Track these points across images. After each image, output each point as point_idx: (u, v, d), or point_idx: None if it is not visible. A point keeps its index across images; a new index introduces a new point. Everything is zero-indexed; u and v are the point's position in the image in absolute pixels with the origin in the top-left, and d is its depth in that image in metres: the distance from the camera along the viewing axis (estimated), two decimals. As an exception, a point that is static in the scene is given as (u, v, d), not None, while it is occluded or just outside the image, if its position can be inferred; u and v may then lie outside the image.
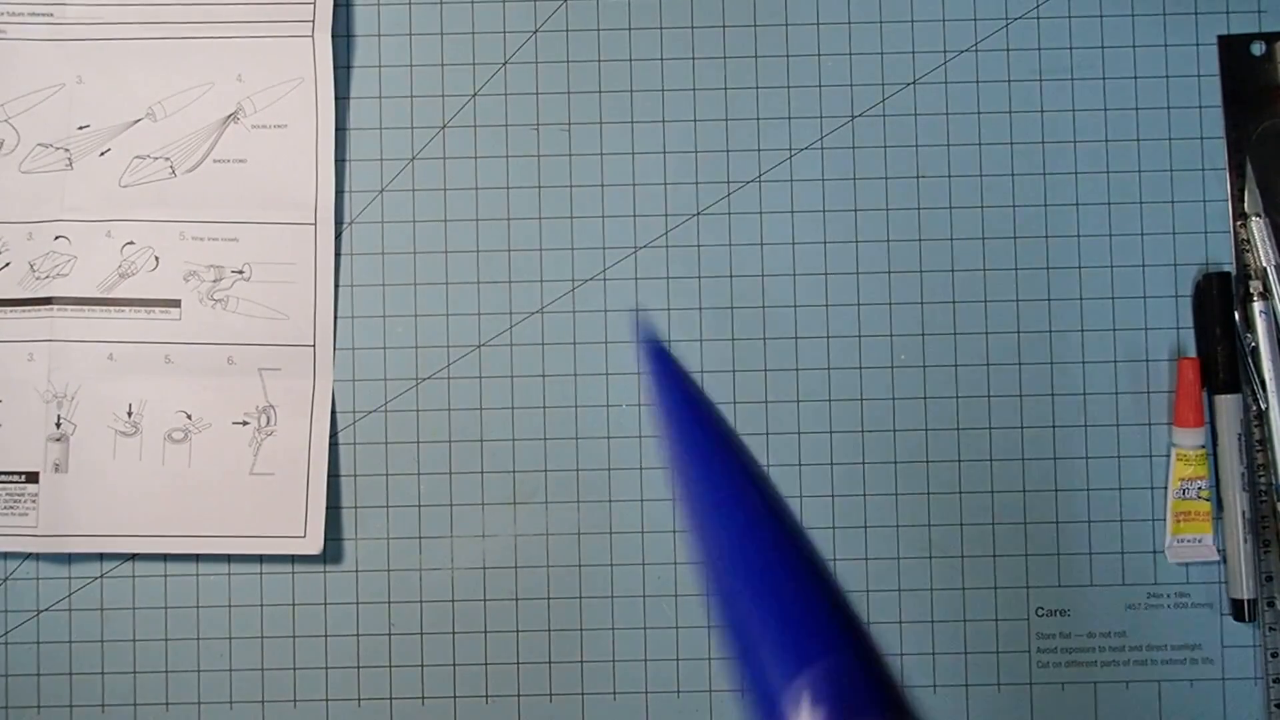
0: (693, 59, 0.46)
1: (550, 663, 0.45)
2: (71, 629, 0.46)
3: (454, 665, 0.45)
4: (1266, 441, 0.44)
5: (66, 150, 0.46)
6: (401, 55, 0.46)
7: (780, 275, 0.46)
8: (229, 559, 0.46)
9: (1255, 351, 0.44)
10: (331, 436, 0.46)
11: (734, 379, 0.46)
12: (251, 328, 0.45)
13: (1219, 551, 0.45)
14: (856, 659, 0.19)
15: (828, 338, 0.46)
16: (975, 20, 0.46)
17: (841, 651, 0.19)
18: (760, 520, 0.21)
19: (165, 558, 0.46)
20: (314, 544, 0.45)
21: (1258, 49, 0.46)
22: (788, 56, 0.46)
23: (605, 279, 0.46)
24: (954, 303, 0.46)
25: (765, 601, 0.19)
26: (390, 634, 0.46)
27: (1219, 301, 0.45)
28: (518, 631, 0.45)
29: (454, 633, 0.45)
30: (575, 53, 0.46)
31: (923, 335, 0.46)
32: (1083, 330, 0.46)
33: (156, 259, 0.46)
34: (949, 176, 0.46)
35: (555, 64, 0.46)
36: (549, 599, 0.46)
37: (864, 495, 0.45)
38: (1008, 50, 0.46)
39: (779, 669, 0.18)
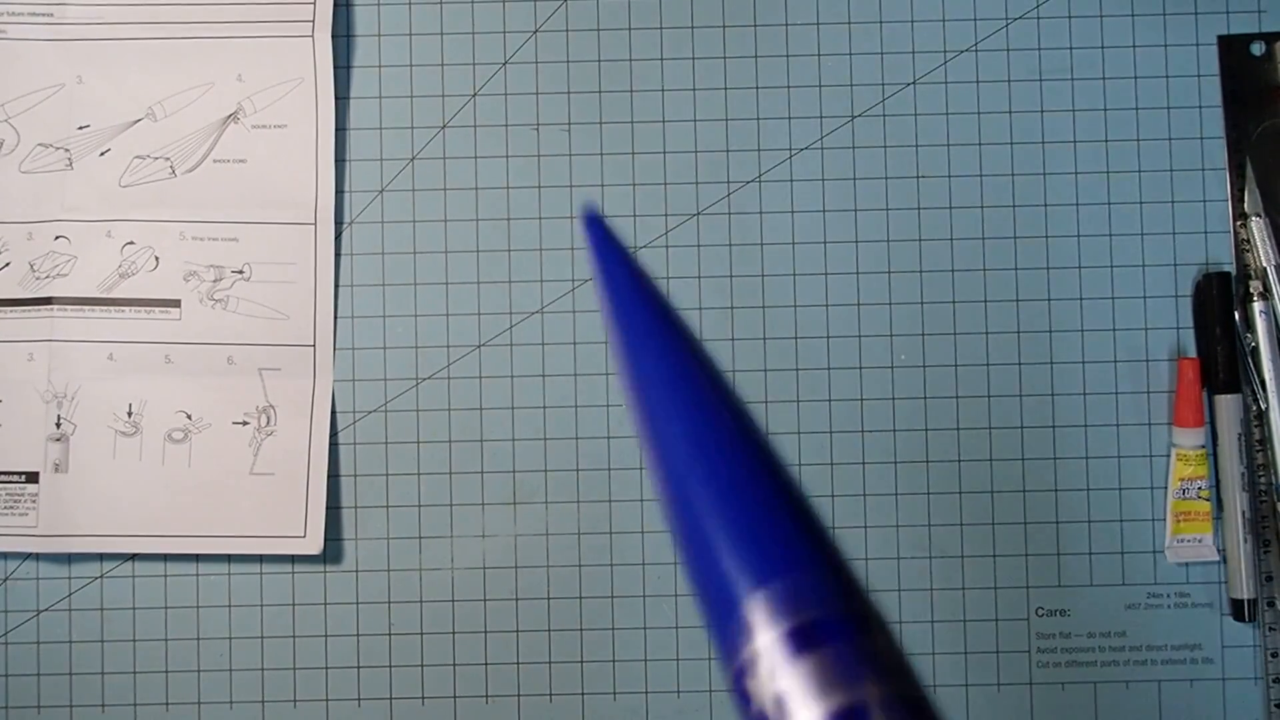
0: (693, 59, 0.46)
1: (550, 663, 0.45)
2: (71, 629, 0.46)
3: (454, 665, 0.45)
4: (1266, 441, 0.44)
5: (66, 150, 0.46)
6: (401, 55, 0.46)
7: (780, 275, 0.46)
8: (229, 559, 0.46)
9: (1255, 351, 0.44)
10: (331, 436, 0.46)
11: (734, 379, 0.46)
12: (251, 328, 0.45)
13: (1219, 551, 0.45)
14: (820, 572, 0.17)
15: (828, 338, 0.46)
16: (975, 20, 0.46)
17: (804, 566, 0.17)
18: (715, 419, 0.19)
19: (165, 558, 0.46)
20: (314, 544, 0.45)
21: (1258, 49, 0.46)
22: (788, 56, 0.46)
23: (605, 279, 0.46)
24: (954, 303, 0.46)
25: (722, 508, 0.18)
26: (390, 634, 0.46)
27: (1219, 301, 0.45)
28: (518, 631, 0.45)
29: (454, 633, 0.45)
30: (575, 53, 0.46)
31: (923, 335, 0.46)
32: (1083, 330, 0.46)
33: (156, 259, 0.46)
34: (949, 176, 0.46)
35: (555, 64, 0.46)
36: (549, 599, 0.46)
37: (864, 495, 0.45)
38: (1008, 50, 0.46)
39: (736, 581, 0.17)
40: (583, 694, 0.45)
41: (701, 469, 0.18)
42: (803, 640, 0.16)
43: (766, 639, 0.16)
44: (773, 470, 0.19)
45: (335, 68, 0.46)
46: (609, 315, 0.22)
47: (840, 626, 0.17)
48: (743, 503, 0.18)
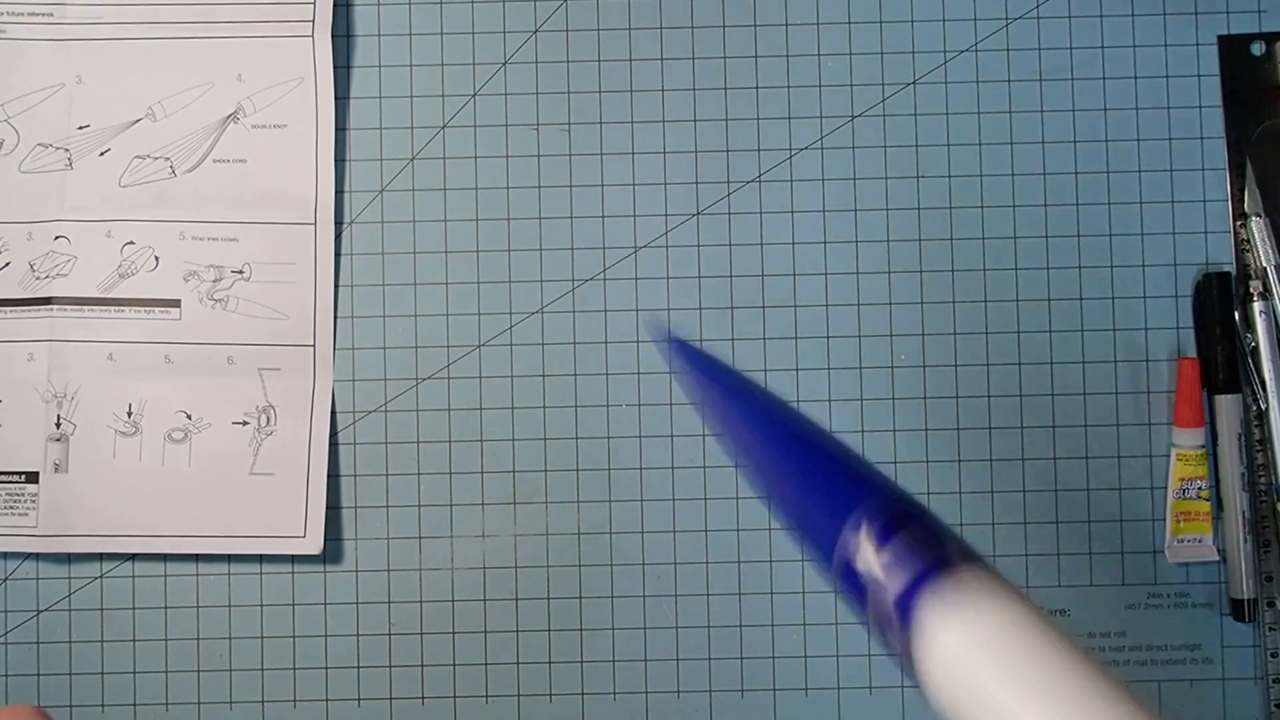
0: (693, 59, 0.46)
1: (550, 663, 0.45)
2: (71, 629, 0.46)
3: (454, 665, 0.45)
4: (1266, 441, 0.44)
5: (66, 150, 0.46)
6: (401, 55, 0.46)
7: (780, 275, 0.46)
8: (229, 559, 0.46)
9: (1255, 351, 0.44)
10: (331, 436, 0.46)
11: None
12: (251, 328, 0.45)
13: (1219, 551, 0.45)
14: (886, 493, 0.26)
15: (828, 338, 0.46)
16: (975, 20, 0.46)
17: (875, 493, 0.26)
18: (796, 428, 0.29)
19: (165, 558, 0.46)
20: (314, 544, 0.45)
21: (1258, 49, 0.46)
22: (788, 56, 0.46)
23: (605, 279, 0.46)
24: (954, 303, 0.46)
25: (814, 478, 0.27)
26: (390, 634, 0.46)
27: (1219, 301, 0.45)
28: (518, 631, 0.45)
29: (454, 633, 0.45)
30: (575, 53, 0.46)
31: (922, 335, 0.46)
32: (1083, 330, 0.46)
33: (156, 259, 0.46)
34: (949, 176, 0.46)
35: (555, 64, 0.46)
36: (549, 599, 0.46)
37: (864, 495, 0.45)
38: (1008, 50, 0.46)
39: (835, 517, 0.26)
40: (583, 694, 0.45)
41: (801, 466, 0.28)
42: (886, 532, 0.25)
43: (863, 539, 0.25)
44: (840, 450, 0.29)
45: (335, 68, 0.46)
46: (706, 391, 0.33)
47: (907, 519, 0.25)
48: (828, 473, 0.28)
